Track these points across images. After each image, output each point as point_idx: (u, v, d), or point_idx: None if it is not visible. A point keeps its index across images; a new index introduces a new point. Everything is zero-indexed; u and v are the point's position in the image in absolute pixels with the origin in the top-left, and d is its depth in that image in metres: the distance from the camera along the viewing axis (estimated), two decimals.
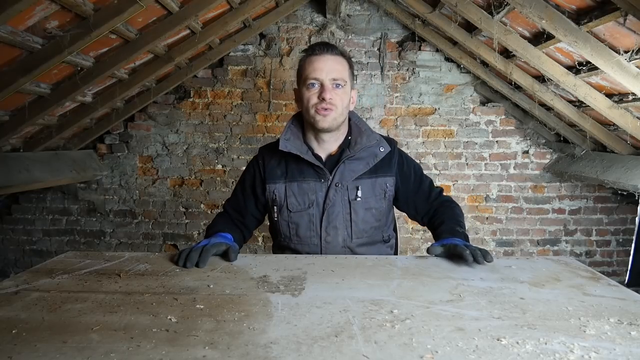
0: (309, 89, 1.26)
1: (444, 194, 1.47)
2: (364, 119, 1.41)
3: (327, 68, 1.24)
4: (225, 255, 1.10)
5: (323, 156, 1.35)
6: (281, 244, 1.39)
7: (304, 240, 1.33)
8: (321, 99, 1.24)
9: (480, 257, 1.04)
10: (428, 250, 1.15)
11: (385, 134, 3.19)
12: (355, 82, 1.43)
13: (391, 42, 3.19)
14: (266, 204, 1.40)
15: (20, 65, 1.77)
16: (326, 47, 1.27)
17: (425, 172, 1.50)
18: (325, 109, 1.24)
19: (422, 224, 1.48)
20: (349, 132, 1.37)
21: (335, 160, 1.34)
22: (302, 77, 1.29)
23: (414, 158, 1.57)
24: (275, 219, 1.36)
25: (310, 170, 1.32)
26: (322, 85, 1.25)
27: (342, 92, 1.27)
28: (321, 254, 1.31)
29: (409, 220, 3.31)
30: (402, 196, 1.42)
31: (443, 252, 1.14)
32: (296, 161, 1.32)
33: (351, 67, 1.33)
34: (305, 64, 1.28)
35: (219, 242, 1.12)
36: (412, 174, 1.42)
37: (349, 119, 1.39)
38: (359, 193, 1.32)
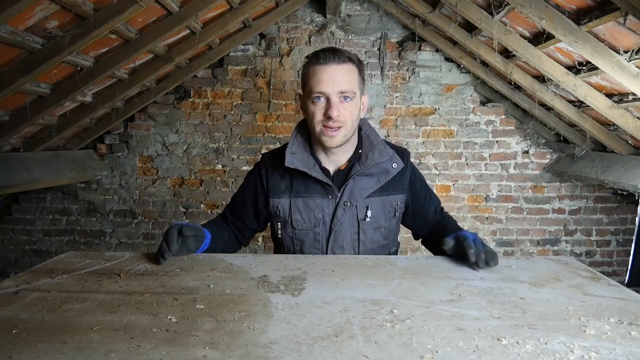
0: (315, 103, 1.15)
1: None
2: (365, 118, 1.36)
3: (334, 80, 1.12)
4: (185, 234, 1.04)
5: (331, 170, 1.26)
6: None
7: None
8: (327, 116, 1.13)
9: (483, 262, 1.00)
10: (442, 243, 1.08)
11: (386, 135, 3.20)
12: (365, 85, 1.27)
13: (391, 42, 3.19)
14: (268, 217, 1.34)
15: (20, 65, 1.77)
16: (332, 55, 1.13)
17: (425, 172, 1.49)
18: (333, 128, 1.14)
19: (417, 238, 1.43)
20: (360, 145, 1.27)
21: (344, 175, 1.24)
22: (306, 88, 1.18)
23: (414, 158, 1.55)
24: (279, 235, 1.30)
25: (317, 185, 1.23)
26: (328, 100, 1.13)
27: (350, 106, 1.15)
28: None
29: None
30: (410, 212, 1.35)
31: (454, 245, 1.07)
32: (302, 175, 1.23)
33: (361, 72, 1.20)
34: (309, 73, 1.16)
35: (181, 225, 1.06)
36: (422, 191, 1.35)
37: (360, 129, 1.29)
38: (369, 213, 1.23)
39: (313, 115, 1.16)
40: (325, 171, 1.25)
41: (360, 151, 1.26)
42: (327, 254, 1.25)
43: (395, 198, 1.28)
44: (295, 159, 1.22)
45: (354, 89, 1.16)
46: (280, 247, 1.35)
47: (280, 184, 1.27)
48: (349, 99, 1.15)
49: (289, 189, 1.26)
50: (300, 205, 1.25)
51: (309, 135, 1.27)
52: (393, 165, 1.25)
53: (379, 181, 1.24)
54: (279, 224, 1.29)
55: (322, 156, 1.26)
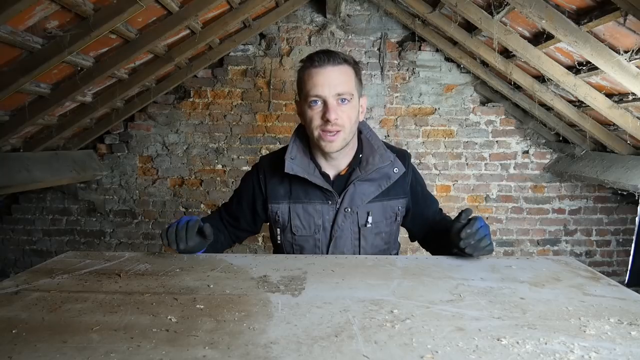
0: (312, 108, 1.12)
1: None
2: (365, 120, 1.34)
3: (330, 82, 1.10)
4: (201, 231, 1.08)
5: (331, 174, 1.23)
6: None
7: None
8: (325, 119, 1.10)
9: (466, 244, 1.01)
10: (463, 212, 1.07)
11: (386, 135, 3.19)
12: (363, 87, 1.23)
13: (391, 42, 3.19)
14: (267, 221, 1.33)
15: (20, 65, 1.77)
16: (327, 57, 1.11)
17: (425, 172, 1.48)
18: (331, 132, 1.11)
19: (414, 239, 1.40)
20: (360, 149, 1.24)
21: (344, 180, 1.21)
22: (302, 92, 1.15)
23: (414, 158, 1.53)
24: (279, 241, 1.28)
25: (317, 191, 1.21)
26: (325, 103, 1.11)
27: (348, 108, 1.12)
28: None
29: None
30: (410, 215, 1.33)
31: (467, 216, 1.06)
32: (302, 180, 1.20)
33: (357, 73, 1.17)
34: (304, 77, 1.13)
35: (198, 219, 1.09)
36: (422, 194, 1.33)
37: (360, 132, 1.26)
38: (370, 219, 1.21)
39: (311, 120, 1.13)
40: (325, 176, 1.22)
41: (360, 155, 1.24)
42: None
43: (397, 203, 1.26)
44: (295, 164, 1.19)
45: (351, 91, 1.13)
46: (279, 251, 1.33)
47: (279, 189, 1.24)
48: (346, 101, 1.12)
49: (288, 194, 1.24)
50: (299, 211, 1.23)
51: (308, 140, 1.24)
52: (394, 170, 1.22)
53: (380, 186, 1.22)
54: (278, 229, 1.27)
55: (322, 161, 1.23)
